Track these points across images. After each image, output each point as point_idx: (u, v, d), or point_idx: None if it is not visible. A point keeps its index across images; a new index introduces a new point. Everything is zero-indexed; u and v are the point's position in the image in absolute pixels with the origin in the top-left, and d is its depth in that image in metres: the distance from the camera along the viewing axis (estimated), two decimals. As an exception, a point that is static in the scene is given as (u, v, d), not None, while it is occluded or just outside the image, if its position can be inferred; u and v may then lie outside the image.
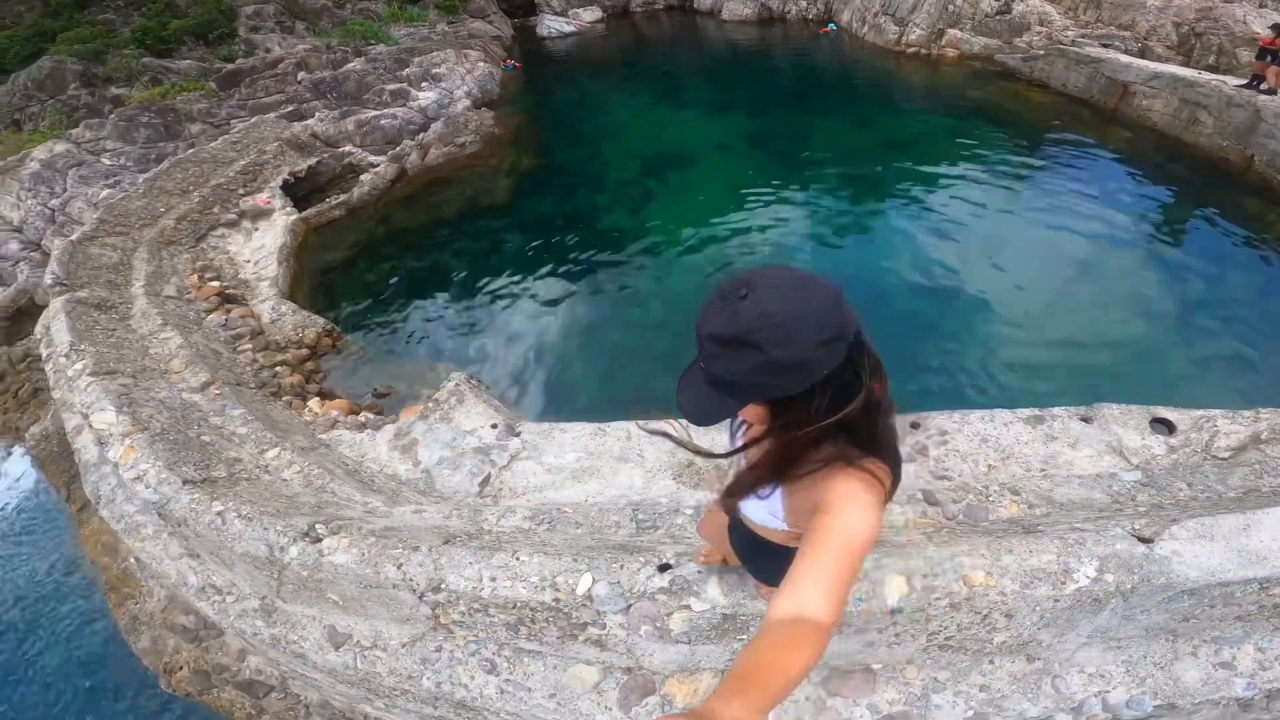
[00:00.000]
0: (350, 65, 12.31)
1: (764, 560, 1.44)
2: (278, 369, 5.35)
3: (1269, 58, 9.82)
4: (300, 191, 9.63)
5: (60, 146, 10.73)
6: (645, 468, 3.28)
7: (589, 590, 2.12)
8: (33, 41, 13.42)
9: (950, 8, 13.43)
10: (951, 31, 13.44)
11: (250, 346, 5.54)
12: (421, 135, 10.47)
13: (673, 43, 17.90)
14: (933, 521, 2.70)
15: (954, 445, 3.37)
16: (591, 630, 2.19)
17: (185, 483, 2.84)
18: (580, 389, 6.12)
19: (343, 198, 9.07)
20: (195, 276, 6.78)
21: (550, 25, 19.47)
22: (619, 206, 9.35)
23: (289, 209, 8.74)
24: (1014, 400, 5.15)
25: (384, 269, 8.07)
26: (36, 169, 10.48)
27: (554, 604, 2.13)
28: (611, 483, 3.25)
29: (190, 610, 3.71)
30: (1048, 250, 7.73)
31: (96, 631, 4.11)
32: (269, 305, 6.59)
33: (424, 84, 12.02)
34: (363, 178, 9.44)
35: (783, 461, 0.98)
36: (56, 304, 5.14)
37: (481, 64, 12.95)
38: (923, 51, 13.49)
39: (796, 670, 0.75)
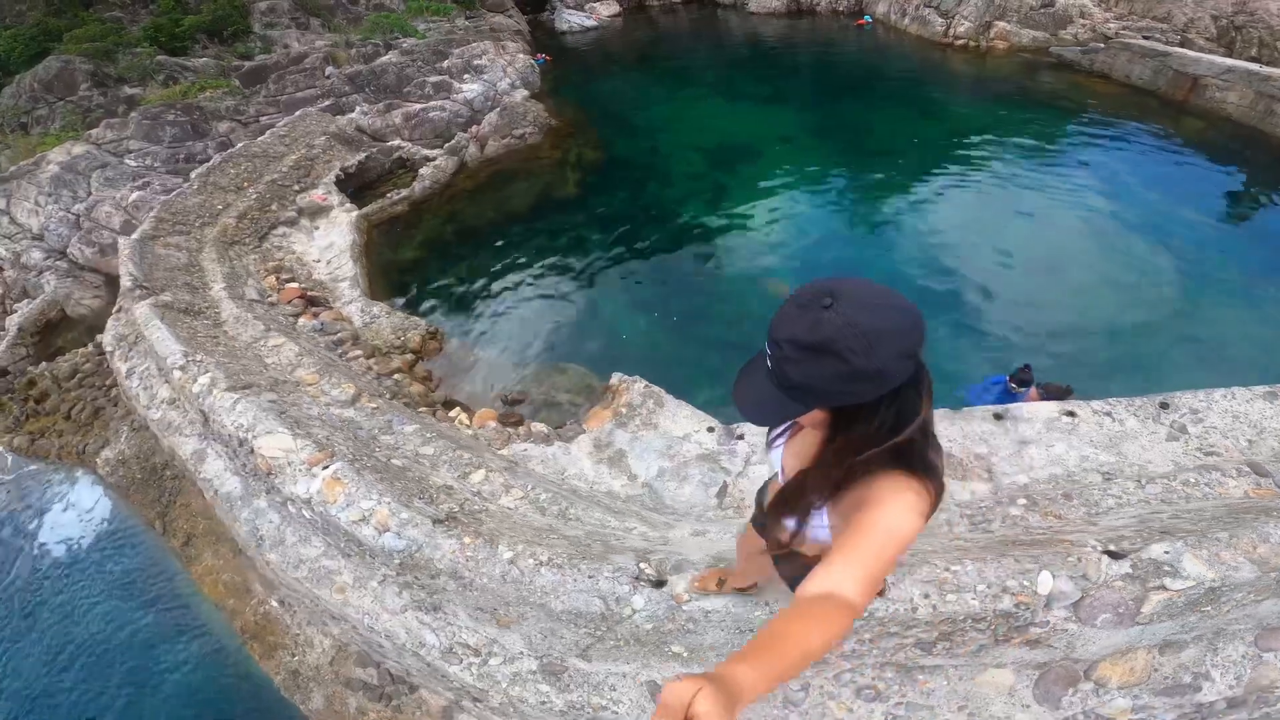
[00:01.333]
0: (385, 58, 11.69)
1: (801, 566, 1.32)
2: (395, 376, 4.76)
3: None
4: (349, 188, 9.00)
5: (79, 148, 9.97)
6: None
7: (1051, 589, 1.87)
8: (38, 41, 12.59)
9: (997, 0, 13.18)
10: (999, 24, 13.19)
11: (360, 353, 4.94)
12: (475, 127, 9.90)
13: (699, 36, 17.49)
14: (1270, 492, 2.64)
15: (1209, 423, 3.29)
16: (1034, 630, 1.93)
17: (436, 523, 2.28)
18: (695, 387, 5.64)
19: (404, 193, 8.46)
20: (273, 278, 6.15)
21: (569, 19, 19.00)
22: (694, 199, 8.86)
23: (347, 205, 8.12)
24: (1116, 381, 5.24)
25: (461, 268, 7.47)
26: (56, 172, 9.72)
27: (1012, 609, 1.86)
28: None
29: (369, 663, 3.12)
30: (1143, 232, 7.56)
31: (238, 685, 3.50)
32: (356, 307, 5.98)
33: (466, 76, 11.45)
34: (422, 172, 8.83)
35: (840, 478, 0.96)
36: (143, 309, 4.51)
37: (521, 56, 12.42)
38: (971, 44, 13.23)
39: (815, 645, 0.74)
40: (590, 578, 1.94)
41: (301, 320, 5.47)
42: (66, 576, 4.41)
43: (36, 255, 9.16)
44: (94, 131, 10.23)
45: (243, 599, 3.78)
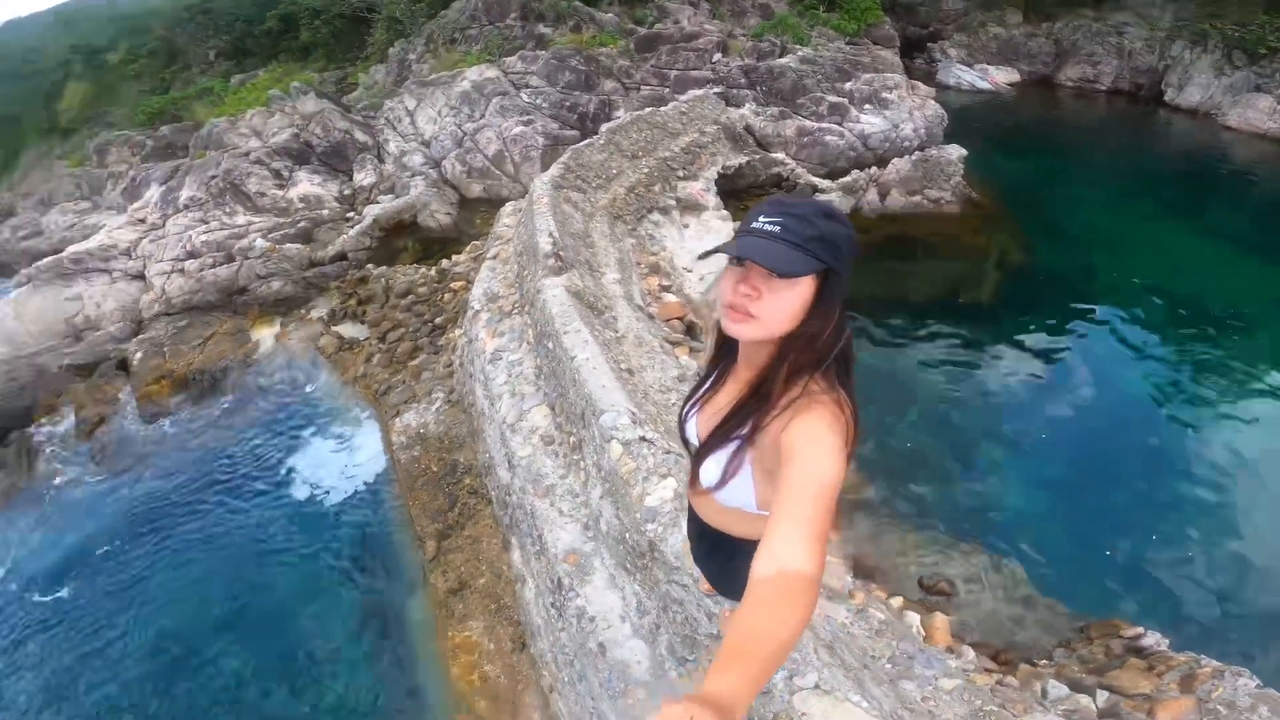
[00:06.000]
0: (782, 61, 10.59)
1: (725, 560, 1.22)
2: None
3: None
4: (719, 189, 7.97)
5: (491, 72, 10.32)
6: None
7: None
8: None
9: None
10: None
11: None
12: (876, 170, 8.28)
13: (1132, 134, 14.03)
14: None
15: None
16: None
17: None
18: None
19: (785, 221, 7.15)
20: (654, 280, 5.10)
21: (959, 75, 16.62)
22: (1162, 369, 6.20)
23: (721, 211, 7.03)
24: None
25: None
26: (466, 89, 10.11)
27: None
28: None
29: None
30: None
31: None
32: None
33: (867, 106, 9.90)
34: (810, 203, 7.46)
35: (777, 386, 0.94)
36: (559, 294, 3.51)
37: (931, 102, 10.53)
38: None
39: (787, 632, 0.69)
40: None
41: (683, 358, 4.22)
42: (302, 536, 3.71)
43: (417, 159, 9.57)
44: (508, 60, 10.57)
45: (505, 710, 2.53)
